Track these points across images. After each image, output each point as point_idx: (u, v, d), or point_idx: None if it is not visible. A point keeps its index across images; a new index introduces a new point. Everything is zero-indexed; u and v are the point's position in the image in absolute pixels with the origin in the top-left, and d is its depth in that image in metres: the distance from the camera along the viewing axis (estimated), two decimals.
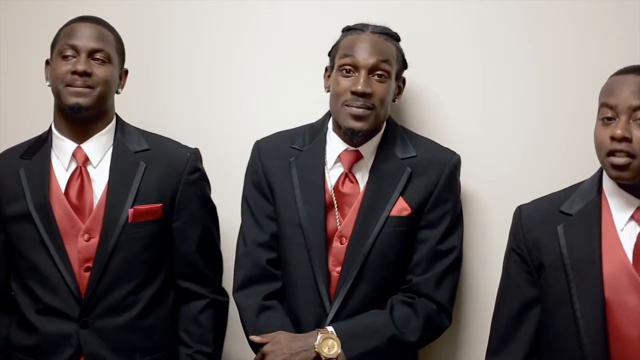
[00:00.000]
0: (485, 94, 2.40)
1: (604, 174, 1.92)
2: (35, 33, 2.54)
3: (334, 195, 2.15)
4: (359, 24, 2.19)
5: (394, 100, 2.19)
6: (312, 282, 2.12)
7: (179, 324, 2.20)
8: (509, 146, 2.39)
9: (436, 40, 2.42)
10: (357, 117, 2.09)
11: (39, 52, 2.29)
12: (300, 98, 2.45)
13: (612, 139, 1.81)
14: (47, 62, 2.17)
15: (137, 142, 2.17)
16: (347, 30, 2.20)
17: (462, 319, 2.38)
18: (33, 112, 2.48)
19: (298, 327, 2.13)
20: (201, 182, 2.22)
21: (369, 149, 2.17)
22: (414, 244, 2.15)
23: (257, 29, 2.51)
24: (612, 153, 1.82)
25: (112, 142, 2.15)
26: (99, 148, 2.13)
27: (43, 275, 2.07)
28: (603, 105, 1.86)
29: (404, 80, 2.23)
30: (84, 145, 2.12)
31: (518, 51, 2.38)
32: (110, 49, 2.12)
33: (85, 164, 2.11)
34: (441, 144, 2.25)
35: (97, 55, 2.09)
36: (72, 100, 2.06)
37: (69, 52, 2.08)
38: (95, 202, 2.10)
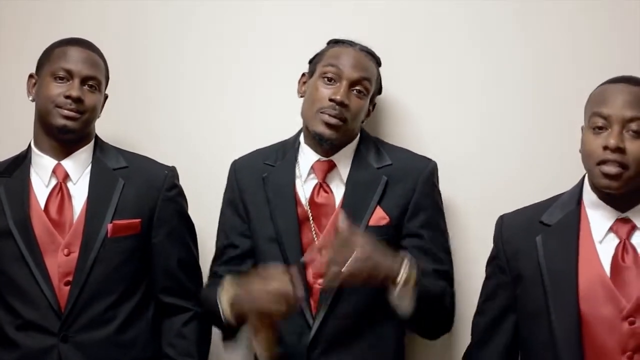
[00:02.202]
0: (470, 104, 2.41)
1: (585, 186, 1.92)
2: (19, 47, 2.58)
3: (309, 207, 2.15)
4: (347, 40, 2.20)
5: (362, 121, 2.20)
6: None
7: (163, 338, 2.22)
8: (492, 156, 2.39)
9: (419, 50, 2.44)
10: (329, 125, 2.11)
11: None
12: (280, 115, 2.45)
13: (606, 148, 1.81)
14: (30, 76, 2.19)
15: (115, 159, 2.21)
16: (335, 42, 2.21)
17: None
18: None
19: (285, 339, 2.11)
20: (179, 199, 2.26)
21: (341, 159, 2.17)
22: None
23: (240, 46, 2.52)
24: (603, 162, 1.81)
25: (90, 160, 2.19)
26: (79, 165, 2.17)
27: (23, 291, 2.09)
28: (595, 114, 1.84)
29: (374, 105, 2.24)
30: (64, 162, 2.15)
31: (507, 59, 2.38)
32: (101, 77, 2.17)
33: (65, 181, 2.15)
34: (424, 153, 2.25)
35: (90, 83, 2.13)
36: (61, 121, 2.10)
37: (62, 74, 2.11)
38: (75, 217, 2.13)
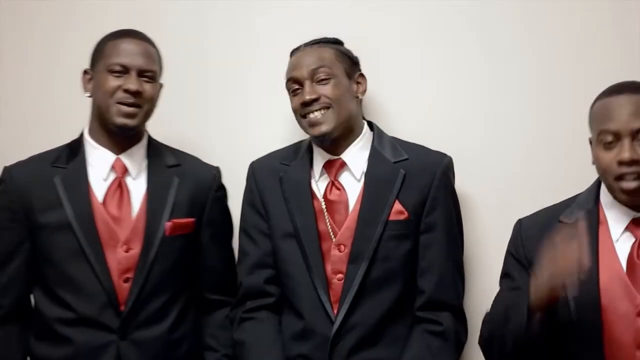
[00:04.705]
0: (484, 98, 2.43)
1: (602, 187, 1.95)
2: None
3: (324, 204, 2.18)
4: (297, 46, 2.25)
5: (357, 97, 2.23)
6: (313, 290, 2.14)
7: (206, 331, 2.22)
8: (505, 152, 2.42)
9: (430, 43, 2.47)
10: (315, 123, 2.16)
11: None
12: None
13: (621, 163, 1.82)
14: (85, 72, 2.16)
15: (168, 157, 2.21)
16: (291, 55, 2.27)
17: None
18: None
19: (307, 335, 2.14)
20: (225, 199, 2.29)
21: (351, 156, 2.21)
22: (418, 249, 2.17)
23: (255, 45, 2.54)
24: (621, 177, 1.83)
25: (146, 156, 2.17)
26: (136, 160, 2.15)
27: (79, 286, 2.05)
28: (603, 132, 1.84)
29: (361, 76, 2.26)
30: (122, 157, 2.13)
31: (515, 54, 2.41)
32: (156, 67, 2.16)
33: (124, 175, 2.12)
34: (437, 148, 2.27)
35: (147, 74, 2.11)
36: (120, 120, 2.08)
37: (118, 69, 2.08)
38: (134, 213, 2.10)
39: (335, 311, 2.12)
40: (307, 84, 2.16)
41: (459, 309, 2.18)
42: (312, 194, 2.19)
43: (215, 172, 2.27)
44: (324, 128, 2.15)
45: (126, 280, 2.07)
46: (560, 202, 2.02)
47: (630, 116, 1.82)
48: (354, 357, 2.11)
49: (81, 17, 2.57)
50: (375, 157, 2.20)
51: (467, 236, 2.32)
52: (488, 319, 1.97)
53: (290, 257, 2.17)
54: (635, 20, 2.35)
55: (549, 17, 2.40)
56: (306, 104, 2.15)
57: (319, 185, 2.21)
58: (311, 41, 2.23)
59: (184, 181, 2.18)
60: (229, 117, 2.54)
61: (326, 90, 2.16)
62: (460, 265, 2.21)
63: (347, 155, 2.20)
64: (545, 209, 2.03)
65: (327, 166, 2.21)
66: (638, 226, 1.89)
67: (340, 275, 2.14)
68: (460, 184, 2.31)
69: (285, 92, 2.27)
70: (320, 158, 2.22)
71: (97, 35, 2.47)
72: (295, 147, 2.30)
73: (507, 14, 2.43)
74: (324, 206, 2.17)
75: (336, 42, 2.26)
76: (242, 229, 2.27)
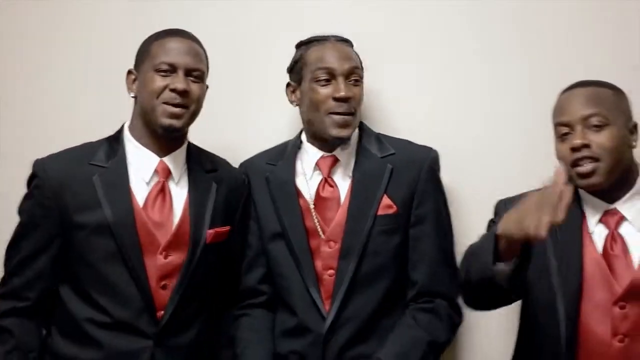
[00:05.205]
0: (483, 98, 2.45)
1: None
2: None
3: (312, 202, 2.18)
4: (316, 36, 2.24)
5: None
6: (304, 288, 2.15)
7: (223, 330, 2.20)
8: (505, 152, 2.43)
9: (430, 43, 2.47)
10: (343, 125, 2.15)
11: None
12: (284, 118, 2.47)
13: (573, 149, 1.89)
14: (129, 72, 2.10)
15: (205, 161, 2.16)
16: (306, 43, 2.24)
17: None
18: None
19: (300, 332, 2.15)
20: (250, 204, 2.24)
21: (343, 153, 2.22)
22: (408, 242, 2.19)
23: (254, 45, 2.53)
24: (575, 163, 1.89)
25: (185, 159, 2.12)
26: (178, 164, 2.09)
27: (115, 290, 1.99)
28: (557, 125, 1.94)
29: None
30: (166, 160, 2.07)
31: (508, 53, 2.43)
32: (204, 67, 2.10)
33: (167, 179, 2.07)
34: (437, 147, 2.28)
35: (194, 74, 2.06)
36: (167, 121, 2.02)
37: (165, 68, 2.03)
38: (175, 219, 2.05)
39: (327, 307, 2.13)
40: (342, 80, 2.15)
41: (453, 299, 2.18)
42: (298, 193, 2.19)
43: (245, 177, 2.24)
44: (348, 133, 2.16)
45: (163, 287, 2.02)
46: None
47: (580, 105, 1.92)
48: (347, 352, 2.12)
49: (79, 17, 2.55)
50: (362, 153, 2.22)
51: (466, 236, 2.28)
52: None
53: (280, 256, 2.18)
54: (635, 20, 2.38)
55: (549, 17, 2.42)
56: (340, 101, 2.13)
57: (310, 183, 2.20)
58: (336, 36, 2.22)
59: (221, 187, 2.14)
60: (227, 118, 2.52)
61: (358, 93, 2.18)
62: (451, 257, 2.21)
63: (339, 152, 2.21)
64: (525, 193, 2.00)
65: (321, 163, 2.20)
66: (611, 218, 1.93)
67: (331, 271, 2.14)
68: (460, 184, 2.34)
69: (282, 91, 2.27)
70: (312, 155, 2.22)
71: (95, 36, 2.52)
72: (281, 147, 2.30)
73: (507, 14, 2.44)
74: (311, 204, 2.18)
75: (351, 44, 2.26)
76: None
